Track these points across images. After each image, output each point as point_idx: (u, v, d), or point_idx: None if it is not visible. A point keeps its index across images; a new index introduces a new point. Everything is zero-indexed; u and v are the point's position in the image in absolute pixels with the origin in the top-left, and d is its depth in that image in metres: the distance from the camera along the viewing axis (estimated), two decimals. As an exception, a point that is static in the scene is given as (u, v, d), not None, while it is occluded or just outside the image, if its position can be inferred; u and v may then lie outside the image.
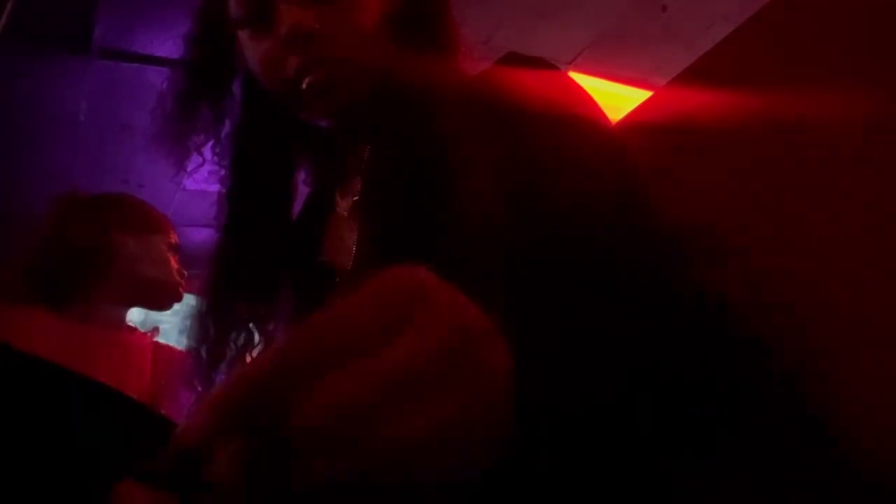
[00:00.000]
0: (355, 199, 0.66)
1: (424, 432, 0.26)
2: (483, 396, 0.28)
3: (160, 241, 1.39)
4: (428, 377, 0.27)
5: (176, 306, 1.38)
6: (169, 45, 2.35)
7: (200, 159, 0.71)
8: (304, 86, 0.60)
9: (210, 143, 0.71)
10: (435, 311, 0.28)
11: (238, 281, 0.69)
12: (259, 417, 0.26)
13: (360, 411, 0.26)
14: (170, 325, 1.49)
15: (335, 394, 0.26)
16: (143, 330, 1.44)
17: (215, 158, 0.71)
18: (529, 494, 0.38)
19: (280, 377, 0.26)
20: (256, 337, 0.70)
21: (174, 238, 1.43)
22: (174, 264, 1.40)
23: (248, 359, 0.69)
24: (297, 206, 0.78)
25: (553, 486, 0.39)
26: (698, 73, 0.63)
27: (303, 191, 0.77)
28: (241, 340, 0.69)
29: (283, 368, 0.26)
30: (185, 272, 1.43)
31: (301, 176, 0.77)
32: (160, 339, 1.42)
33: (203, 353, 0.68)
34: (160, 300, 1.40)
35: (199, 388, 0.67)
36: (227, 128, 0.71)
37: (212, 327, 0.68)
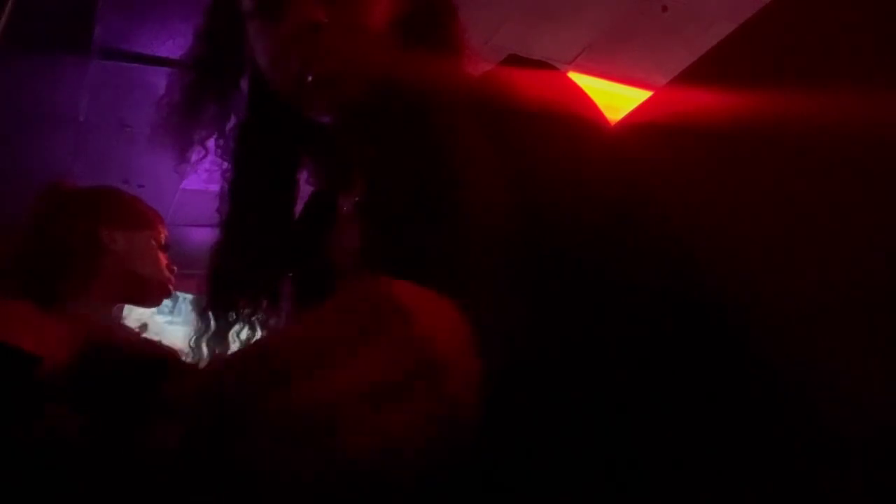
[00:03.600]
0: (358, 199, 0.66)
1: (379, 443, 0.29)
2: (437, 418, 0.30)
3: (150, 237, 1.37)
4: (387, 394, 0.29)
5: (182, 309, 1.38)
6: (169, 45, 2.35)
7: (203, 152, 0.71)
8: (308, 79, 0.60)
9: (213, 138, 0.71)
10: (399, 334, 0.31)
11: (239, 277, 0.69)
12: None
13: (320, 418, 0.29)
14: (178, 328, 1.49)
15: (301, 398, 0.29)
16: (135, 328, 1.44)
17: (218, 151, 0.72)
18: (529, 492, 0.38)
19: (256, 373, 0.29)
20: (259, 333, 0.70)
21: (164, 233, 1.41)
22: (164, 260, 1.40)
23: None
24: (301, 206, 0.78)
25: (551, 483, 0.39)
26: (698, 73, 0.63)
27: (306, 190, 0.77)
28: (243, 336, 0.69)
29: (259, 366, 0.29)
30: (175, 268, 1.42)
31: (304, 175, 0.77)
32: (149, 336, 1.42)
33: (205, 348, 0.69)
34: (150, 297, 1.39)
35: None
36: (231, 123, 0.72)
37: (213, 322, 0.69)
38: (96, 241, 1.31)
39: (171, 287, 1.40)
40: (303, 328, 0.30)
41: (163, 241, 1.41)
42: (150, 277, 1.36)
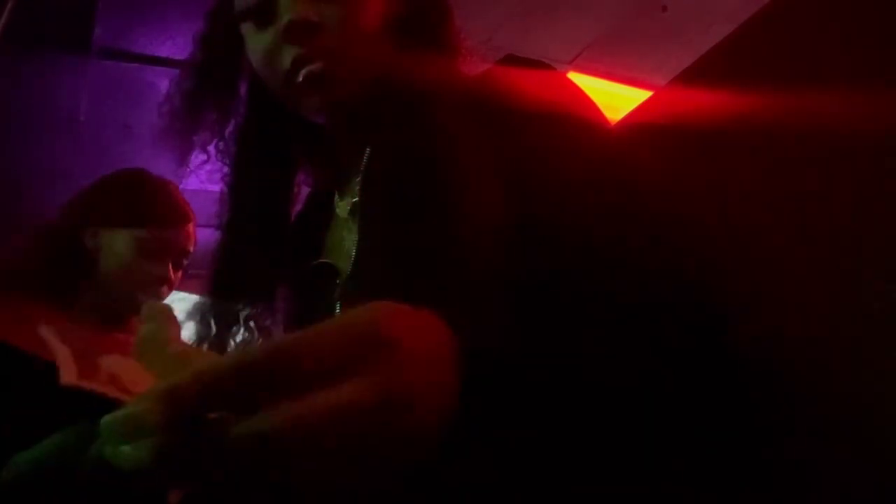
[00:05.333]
0: (355, 200, 0.66)
1: (329, 479, 0.30)
2: (391, 463, 0.32)
3: (133, 235, 1.27)
4: (352, 429, 0.30)
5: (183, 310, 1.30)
6: (169, 45, 2.35)
7: (204, 156, 0.72)
8: (300, 77, 0.60)
9: (214, 141, 0.71)
10: (384, 368, 0.31)
11: (237, 279, 0.69)
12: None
13: (287, 445, 0.29)
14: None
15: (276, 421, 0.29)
16: None
17: (219, 156, 0.72)
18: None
19: (246, 382, 0.30)
20: (256, 334, 0.71)
21: (165, 230, 1.30)
22: (153, 259, 1.28)
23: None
24: (299, 207, 0.78)
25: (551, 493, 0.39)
26: (698, 73, 0.63)
27: (304, 192, 0.78)
28: (240, 337, 0.70)
29: (251, 376, 0.30)
30: (176, 266, 1.32)
31: (302, 177, 0.77)
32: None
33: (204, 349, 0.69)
34: (129, 297, 1.28)
35: None
36: (231, 126, 0.72)
37: (213, 324, 0.69)
38: (79, 241, 1.28)
39: (150, 289, 1.29)
40: (289, 348, 0.31)
41: (159, 237, 1.28)
42: (122, 279, 1.27)
